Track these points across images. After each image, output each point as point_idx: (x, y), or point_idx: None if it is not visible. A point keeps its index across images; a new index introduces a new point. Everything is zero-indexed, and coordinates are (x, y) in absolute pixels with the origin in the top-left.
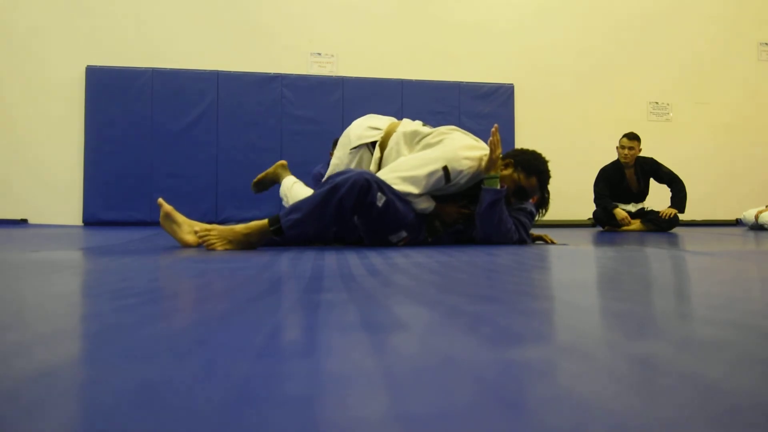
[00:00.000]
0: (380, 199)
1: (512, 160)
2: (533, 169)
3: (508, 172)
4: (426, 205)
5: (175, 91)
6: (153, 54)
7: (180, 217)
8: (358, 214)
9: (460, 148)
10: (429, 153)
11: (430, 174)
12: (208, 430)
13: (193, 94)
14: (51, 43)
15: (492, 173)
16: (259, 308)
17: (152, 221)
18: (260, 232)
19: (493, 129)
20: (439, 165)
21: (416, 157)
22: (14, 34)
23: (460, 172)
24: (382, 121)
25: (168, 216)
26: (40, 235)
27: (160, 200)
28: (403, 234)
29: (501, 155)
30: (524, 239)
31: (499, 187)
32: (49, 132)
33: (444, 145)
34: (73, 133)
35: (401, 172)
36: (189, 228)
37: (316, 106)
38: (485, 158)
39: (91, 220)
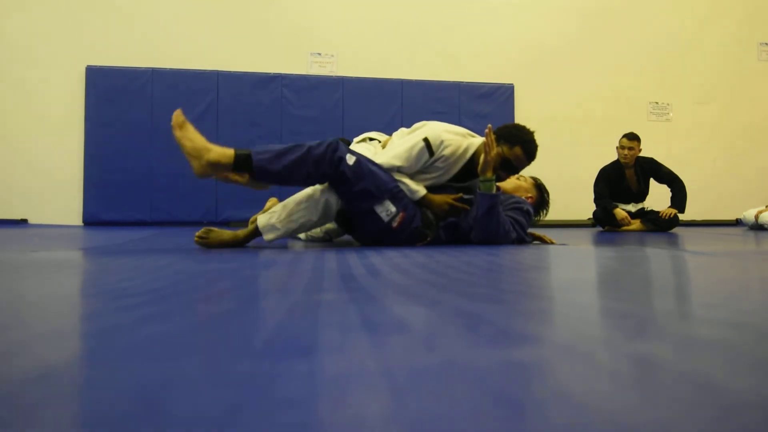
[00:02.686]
0: (350, 159)
1: (494, 136)
2: (515, 138)
3: (497, 160)
4: (416, 188)
5: (175, 91)
6: (153, 54)
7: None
8: (332, 180)
9: (438, 125)
10: (410, 135)
11: (412, 147)
12: (208, 430)
13: (193, 94)
14: (51, 44)
15: (488, 175)
16: (259, 308)
17: (152, 221)
18: (248, 234)
19: (487, 130)
20: (419, 138)
21: (399, 141)
22: (14, 34)
23: (441, 142)
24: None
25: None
26: (40, 235)
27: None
28: (392, 208)
29: (495, 156)
30: (523, 238)
31: (495, 191)
32: (49, 132)
33: (425, 127)
34: (73, 133)
35: (386, 152)
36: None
37: (316, 106)
38: (470, 138)
39: (91, 220)
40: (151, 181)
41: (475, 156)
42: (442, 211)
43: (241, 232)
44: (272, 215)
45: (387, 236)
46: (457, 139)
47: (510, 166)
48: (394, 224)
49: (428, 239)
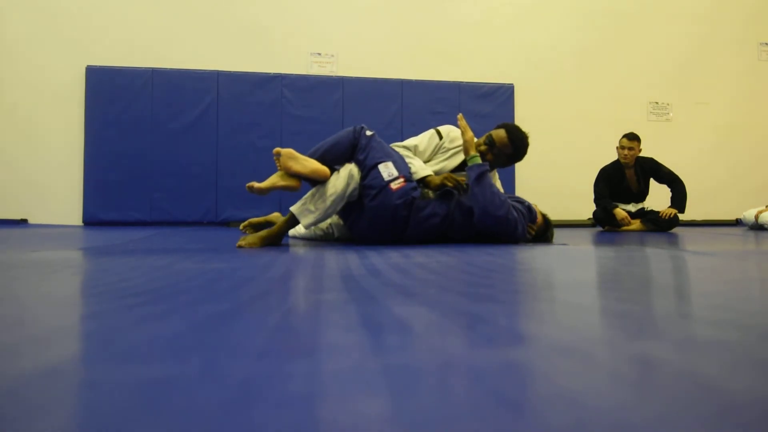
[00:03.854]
0: (369, 132)
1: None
2: (500, 126)
3: (483, 138)
4: (424, 167)
5: (175, 91)
6: (153, 54)
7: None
8: (354, 149)
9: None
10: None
11: (425, 134)
12: (208, 430)
13: (193, 94)
14: (51, 44)
15: (471, 154)
16: (259, 308)
17: (152, 221)
18: (283, 225)
19: (459, 116)
20: (431, 131)
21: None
22: (14, 34)
23: (448, 127)
24: None
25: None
26: (40, 235)
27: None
28: (394, 171)
29: (473, 138)
30: (524, 229)
31: (481, 162)
32: (49, 132)
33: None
34: (73, 133)
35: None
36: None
37: (316, 106)
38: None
39: (91, 220)
40: (151, 181)
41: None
42: (438, 182)
43: (275, 227)
44: (304, 202)
45: (383, 200)
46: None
47: (492, 143)
48: (393, 186)
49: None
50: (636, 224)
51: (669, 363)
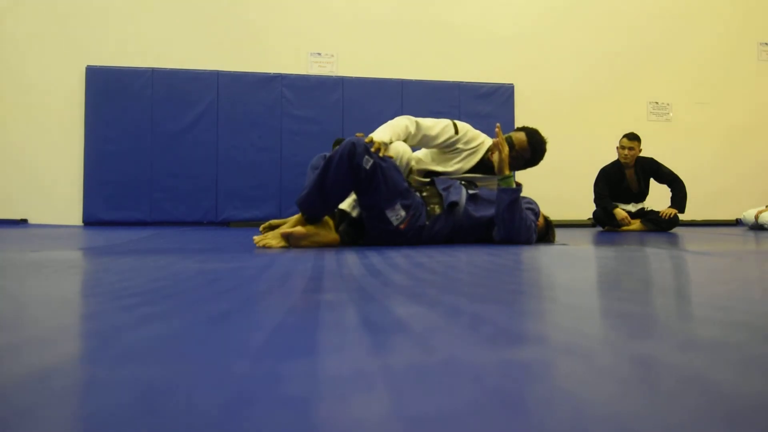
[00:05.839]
0: (367, 162)
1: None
2: (522, 128)
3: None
4: (435, 167)
5: (175, 91)
6: (153, 54)
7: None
8: (354, 189)
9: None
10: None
11: (440, 122)
12: (208, 430)
13: (193, 94)
14: (51, 44)
15: (506, 173)
16: (259, 308)
17: (152, 221)
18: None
19: (497, 129)
20: (447, 121)
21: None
22: (14, 34)
23: (466, 126)
24: None
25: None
26: (40, 235)
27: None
28: (402, 213)
29: (508, 155)
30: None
31: (514, 186)
32: (49, 132)
33: None
34: (73, 133)
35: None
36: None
37: (316, 106)
38: (488, 143)
39: (91, 220)
40: (151, 181)
41: (485, 155)
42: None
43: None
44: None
45: (392, 234)
46: (477, 131)
47: (512, 145)
48: (402, 226)
49: (427, 223)
50: (636, 224)
51: (670, 364)
